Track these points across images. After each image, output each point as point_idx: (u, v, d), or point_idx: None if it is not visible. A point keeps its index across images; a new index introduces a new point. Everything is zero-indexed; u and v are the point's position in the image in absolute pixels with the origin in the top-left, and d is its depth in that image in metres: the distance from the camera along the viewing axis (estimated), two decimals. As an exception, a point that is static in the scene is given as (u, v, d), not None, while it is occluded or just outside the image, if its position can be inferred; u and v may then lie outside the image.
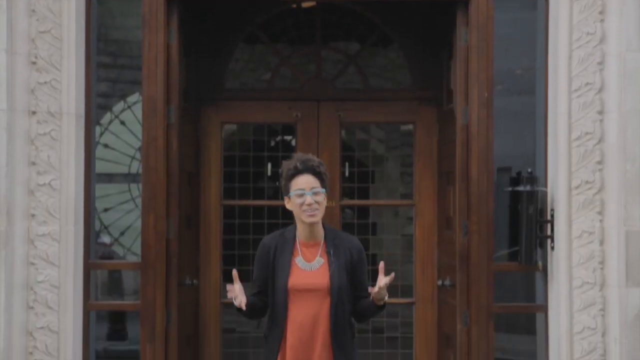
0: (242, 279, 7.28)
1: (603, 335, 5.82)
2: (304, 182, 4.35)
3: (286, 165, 4.44)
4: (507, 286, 8.97)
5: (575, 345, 5.85)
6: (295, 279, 4.34)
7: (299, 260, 4.39)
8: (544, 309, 6.20)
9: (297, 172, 4.38)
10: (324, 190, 4.37)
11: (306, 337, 4.30)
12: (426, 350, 7.04)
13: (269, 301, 4.40)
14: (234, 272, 4.38)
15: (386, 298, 4.34)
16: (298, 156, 4.47)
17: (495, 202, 6.20)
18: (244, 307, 4.31)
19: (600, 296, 5.83)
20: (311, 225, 4.37)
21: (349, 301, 4.39)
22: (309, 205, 4.33)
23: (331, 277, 4.33)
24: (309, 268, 4.37)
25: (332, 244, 4.40)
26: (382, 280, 4.28)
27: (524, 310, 7.61)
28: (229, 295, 4.34)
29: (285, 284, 4.33)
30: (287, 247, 4.40)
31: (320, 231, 4.42)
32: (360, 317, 4.51)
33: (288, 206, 4.42)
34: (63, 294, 5.92)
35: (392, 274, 4.30)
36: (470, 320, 6.18)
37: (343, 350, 4.34)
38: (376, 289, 4.29)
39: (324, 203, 4.39)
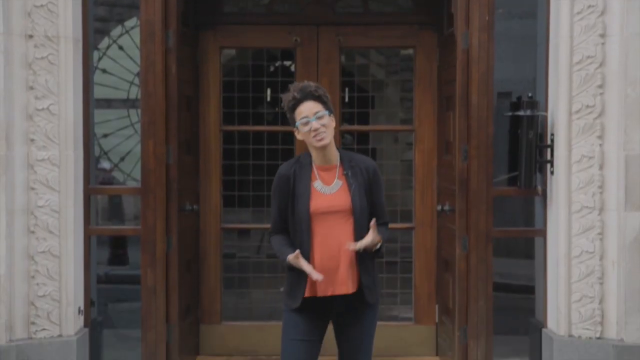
0: (242, 205, 7.33)
1: (601, 258, 5.86)
2: (306, 110, 4.35)
3: (285, 98, 4.43)
4: (507, 211, 9.03)
5: (573, 268, 5.89)
6: (317, 203, 4.35)
7: (317, 184, 4.39)
8: (543, 233, 6.24)
9: (297, 101, 4.38)
10: (327, 112, 4.37)
11: (332, 258, 4.32)
12: (425, 274, 7.10)
13: (291, 228, 4.40)
14: (297, 254, 4.30)
15: (378, 245, 4.35)
16: (294, 86, 4.44)
17: (495, 127, 6.19)
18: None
19: (599, 220, 5.85)
20: (323, 149, 4.38)
21: (368, 221, 4.40)
22: (316, 130, 4.33)
23: (352, 198, 4.35)
24: (329, 191, 4.38)
25: (348, 166, 4.41)
26: (365, 240, 4.27)
27: (522, 235, 7.67)
28: (315, 277, 4.27)
29: (307, 208, 4.33)
30: (305, 173, 4.40)
31: (334, 154, 4.43)
32: None
33: (298, 137, 4.42)
34: (63, 219, 5.95)
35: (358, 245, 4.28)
36: (469, 245, 6.22)
37: (367, 269, 4.38)
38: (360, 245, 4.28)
39: (332, 124, 4.39)
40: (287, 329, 4.43)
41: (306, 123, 4.34)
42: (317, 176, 4.40)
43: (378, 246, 4.36)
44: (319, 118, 4.34)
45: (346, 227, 4.35)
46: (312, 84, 4.43)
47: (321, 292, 4.33)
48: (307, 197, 4.34)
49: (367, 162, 4.48)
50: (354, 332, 4.45)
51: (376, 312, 4.50)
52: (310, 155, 4.44)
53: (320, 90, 4.40)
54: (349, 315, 4.43)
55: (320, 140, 4.34)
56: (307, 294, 4.35)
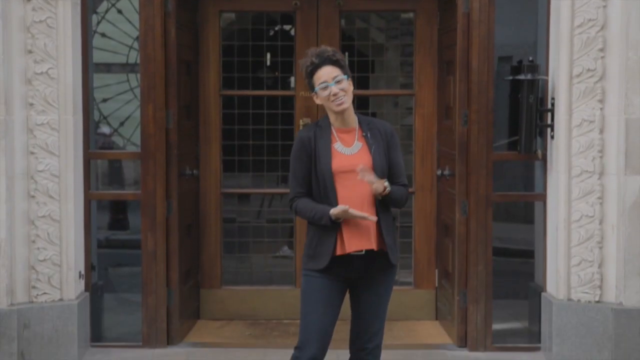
0: (242, 169, 7.32)
1: (600, 222, 5.87)
2: (325, 74, 4.38)
3: (303, 63, 4.45)
4: (507, 176, 9.01)
5: (572, 233, 5.90)
6: (338, 162, 4.38)
7: (338, 146, 4.42)
8: (543, 197, 6.24)
9: (315, 66, 4.40)
10: (346, 76, 4.40)
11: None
12: (425, 239, 7.11)
13: (314, 189, 4.42)
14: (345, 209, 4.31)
15: (387, 189, 4.34)
16: (312, 51, 4.46)
17: (496, 91, 6.18)
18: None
19: (599, 184, 5.85)
20: (342, 112, 4.41)
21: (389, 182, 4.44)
22: (335, 95, 4.36)
23: (373, 157, 4.38)
24: (349, 152, 4.42)
25: (367, 128, 4.45)
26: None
27: (522, 199, 7.66)
28: (371, 219, 4.32)
29: (330, 167, 4.36)
30: (325, 135, 4.43)
31: (353, 117, 4.47)
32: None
33: (317, 101, 4.45)
34: (63, 183, 5.95)
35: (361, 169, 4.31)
36: (469, 209, 6.23)
37: (388, 229, 4.42)
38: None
39: (350, 88, 4.42)
40: (311, 293, 4.43)
41: (325, 88, 4.37)
42: (337, 138, 4.44)
43: (387, 191, 4.34)
44: (338, 82, 4.37)
45: (368, 186, 4.35)
46: (329, 48, 4.45)
47: (347, 249, 4.35)
48: (329, 156, 4.38)
49: (385, 125, 4.53)
50: (370, 299, 4.47)
51: (394, 276, 4.53)
52: (328, 119, 4.47)
53: (338, 55, 4.42)
54: (368, 277, 4.44)
55: (340, 105, 4.37)
56: (338, 252, 4.36)
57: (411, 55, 7.12)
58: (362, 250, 4.37)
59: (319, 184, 4.40)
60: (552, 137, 6.01)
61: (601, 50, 5.78)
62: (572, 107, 5.85)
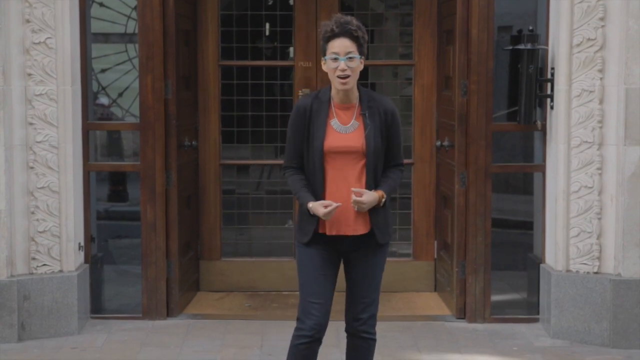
0: (240, 140, 7.30)
1: (600, 193, 5.86)
2: (339, 46, 4.27)
3: (324, 27, 4.34)
4: (506, 146, 9.00)
5: (571, 204, 5.89)
6: (331, 141, 4.32)
7: (334, 123, 4.35)
8: (542, 168, 6.24)
9: (333, 34, 4.28)
10: (359, 56, 4.29)
11: (341, 199, 4.29)
12: (424, 210, 7.10)
13: (305, 163, 4.39)
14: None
15: (382, 202, 4.33)
16: (337, 17, 4.34)
17: (495, 61, 6.15)
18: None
19: (598, 155, 5.84)
20: (345, 90, 4.35)
21: (382, 164, 4.39)
22: (342, 71, 4.27)
23: (366, 139, 4.31)
24: (344, 131, 4.34)
25: (367, 106, 4.36)
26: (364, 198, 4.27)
27: (521, 170, 7.67)
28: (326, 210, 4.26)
29: (321, 146, 4.30)
30: (323, 110, 4.35)
31: (354, 94, 4.37)
32: None
33: (324, 68, 4.36)
34: (62, 155, 5.94)
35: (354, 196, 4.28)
36: (468, 180, 6.22)
37: (377, 209, 4.36)
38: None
39: (359, 68, 4.32)
40: (303, 263, 4.43)
41: (335, 60, 4.27)
42: (335, 114, 4.36)
43: (382, 202, 4.33)
44: (350, 59, 4.26)
45: (357, 169, 4.32)
46: (355, 22, 4.33)
47: (328, 231, 4.34)
48: (323, 134, 4.31)
49: (387, 104, 4.42)
50: (362, 271, 4.45)
51: (386, 251, 4.50)
52: (330, 91, 4.39)
53: (360, 32, 4.30)
54: (358, 254, 4.42)
55: (343, 84, 4.29)
56: (320, 230, 4.34)
57: (411, 25, 7.08)
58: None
59: (309, 160, 4.35)
60: (552, 107, 5.99)
61: (601, 19, 5.75)
62: (572, 77, 5.83)
